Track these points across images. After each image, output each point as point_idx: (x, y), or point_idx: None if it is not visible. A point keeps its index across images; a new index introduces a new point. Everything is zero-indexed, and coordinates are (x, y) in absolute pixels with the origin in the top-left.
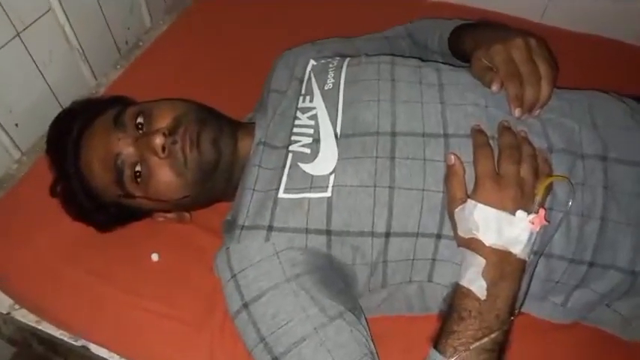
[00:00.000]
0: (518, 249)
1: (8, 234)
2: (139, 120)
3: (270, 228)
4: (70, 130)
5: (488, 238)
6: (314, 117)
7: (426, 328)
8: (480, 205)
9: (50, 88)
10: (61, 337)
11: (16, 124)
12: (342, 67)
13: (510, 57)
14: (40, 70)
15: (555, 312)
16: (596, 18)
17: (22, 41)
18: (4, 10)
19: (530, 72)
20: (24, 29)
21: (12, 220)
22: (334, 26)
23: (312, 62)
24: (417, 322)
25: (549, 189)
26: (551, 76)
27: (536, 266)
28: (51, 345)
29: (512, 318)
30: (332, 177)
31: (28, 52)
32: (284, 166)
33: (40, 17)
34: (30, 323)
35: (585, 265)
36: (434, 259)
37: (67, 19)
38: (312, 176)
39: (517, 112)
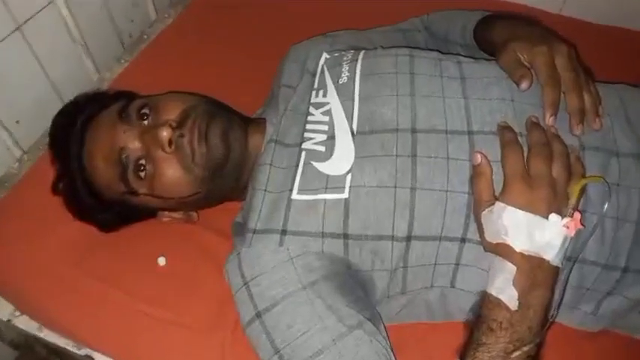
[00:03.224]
0: (551, 255)
1: (9, 236)
2: (145, 111)
3: (284, 232)
4: (74, 123)
5: (519, 244)
6: (328, 112)
7: (446, 335)
8: (509, 208)
9: (52, 83)
10: (65, 346)
11: (17, 122)
12: (357, 60)
13: (553, 62)
14: (41, 65)
15: (585, 320)
16: (617, 9)
17: (22, 35)
18: (4, 2)
19: (574, 80)
20: (24, 22)
21: (13, 221)
22: (345, 19)
23: (325, 55)
24: (438, 330)
25: (584, 191)
26: (590, 87)
27: (570, 273)
28: (53, 349)
29: (545, 329)
30: (349, 177)
31: (30, 46)
32: (297, 165)
33: (41, 10)
34: (31, 331)
35: (619, 271)
36: (457, 264)
37: (70, 12)
38: (328, 176)
39: (551, 120)
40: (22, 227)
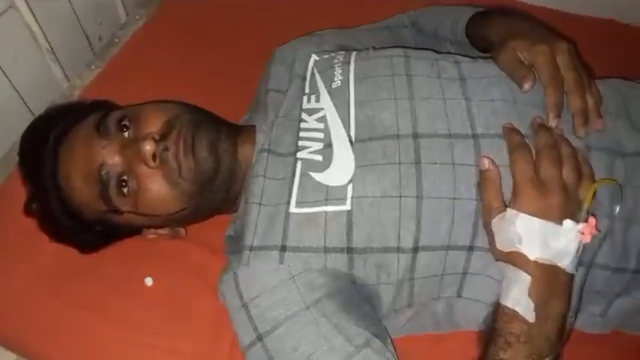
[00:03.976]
0: (567, 262)
1: None
2: (124, 122)
3: (284, 248)
4: (46, 138)
5: (533, 252)
6: (323, 119)
7: (452, 346)
8: (522, 215)
9: (18, 93)
10: None
11: None
12: (349, 63)
13: (555, 61)
14: (5, 74)
15: (594, 322)
16: None
17: None
18: None
19: (577, 80)
20: None
21: None
22: (330, 17)
23: (314, 57)
24: (443, 340)
25: (595, 194)
26: (592, 87)
27: (586, 279)
28: None
29: (563, 340)
30: (350, 187)
31: None
32: (293, 176)
33: (0, 15)
34: None
35: (629, 273)
36: (465, 273)
37: (33, 16)
38: (327, 187)
39: (555, 122)
40: None
